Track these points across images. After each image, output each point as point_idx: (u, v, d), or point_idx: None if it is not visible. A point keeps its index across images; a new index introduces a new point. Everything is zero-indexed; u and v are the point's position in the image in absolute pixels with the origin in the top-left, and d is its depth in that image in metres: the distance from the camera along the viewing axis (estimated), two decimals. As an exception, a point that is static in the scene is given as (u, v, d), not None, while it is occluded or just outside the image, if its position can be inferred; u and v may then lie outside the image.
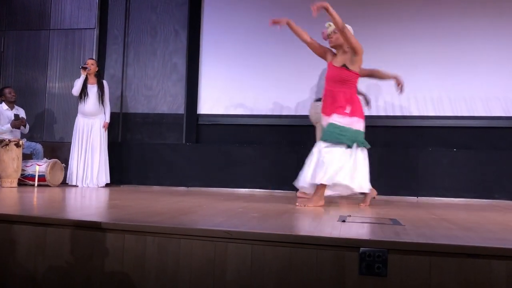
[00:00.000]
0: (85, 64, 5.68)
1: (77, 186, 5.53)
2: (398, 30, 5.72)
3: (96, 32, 6.33)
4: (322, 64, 5.88)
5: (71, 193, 4.55)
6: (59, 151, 6.08)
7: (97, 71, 5.73)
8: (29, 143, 5.72)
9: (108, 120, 5.73)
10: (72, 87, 5.75)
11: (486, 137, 5.46)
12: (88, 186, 5.52)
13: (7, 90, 5.75)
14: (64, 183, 5.59)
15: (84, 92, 5.60)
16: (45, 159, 5.54)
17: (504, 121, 5.43)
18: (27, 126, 5.80)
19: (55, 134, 6.30)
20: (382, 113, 5.67)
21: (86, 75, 5.64)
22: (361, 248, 1.88)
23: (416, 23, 5.69)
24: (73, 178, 5.57)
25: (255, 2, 6.14)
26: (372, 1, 5.80)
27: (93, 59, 5.89)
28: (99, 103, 5.65)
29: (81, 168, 5.57)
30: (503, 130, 5.45)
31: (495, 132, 5.45)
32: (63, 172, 5.60)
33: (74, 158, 5.59)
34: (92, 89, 5.63)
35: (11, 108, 5.75)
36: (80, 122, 5.64)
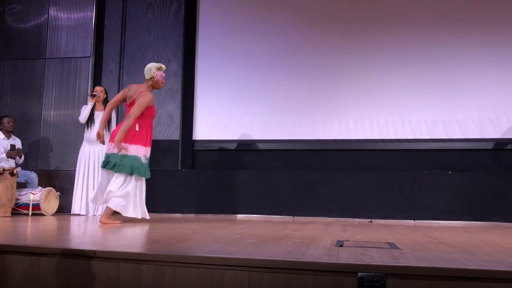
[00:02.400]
0: (93, 92, 5.66)
1: (81, 214, 5.42)
2: (392, 56, 5.80)
3: (91, 60, 6.38)
4: (317, 88, 5.96)
5: (66, 222, 4.50)
6: (54, 179, 6.04)
7: (105, 98, 5.70)
8: (23, 171, 5.68)
9: None
10: (68, 115, 5.74)
11: (481, 159, 5.49)
12: (94, 214, 5.42)
13: (6, 120, 5.74)
14: (62, 212, 5.53)
15: (91, 119, 5.54)
16: (39, 187, 5.50)
17: (498, 143, 5.47)
18: (23, 156, 5.77)
19: (50, 162, 6.27)
20: (377, 137, 5.70)
21: (94, 103, 5.62)
22: (359, 273, 1.86)
23: (410, 48, 5.78)
24: (76, 207, 5.47)
25: (250, 28, 6.24)
26: (365, 26, 5.90)
27: (102, 86, 5.87)
28: (107, 130, 5.61)
29: (84, 197, 5.46)
30: (497, 152, 5.48)
31: (490, 154, 5.49)
32: (58, 200, 5.55)
33: (78, 186, 5.51)
34: (100, 116, 5.60)
35: (8, 137, 5.73)
36: (86, 149, 5.55)
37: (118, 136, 4.18)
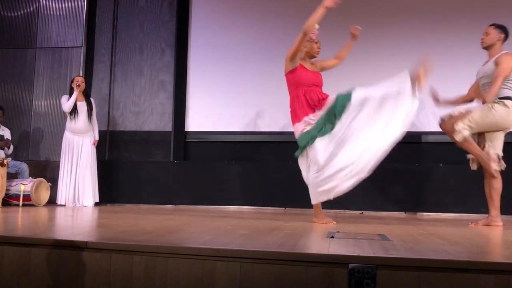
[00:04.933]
0: (74, 81, 5.62)
1: (65, 205, 5.44)
2: (384, 49, 5.80)
3: (83, 50, 6.32)
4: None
5: (57, 213, 4.48)
6: (44, 170, 6.00)
7: (84, 89, 5.72)
8: (14, 162, 5.64)
9: (97, 137, 5.70)
10: (59, 105, 5.71)
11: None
12: (77, 205, 5.44)
13: None
14: (50, 203, 5.51)
15: (74, 109, 5.56)
16: (30, 178, 5.47)
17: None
18: (11, 147, 5.73)
19: (41, 153, 6.23)
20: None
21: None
22: (350, 265, 1.87)
23: (403, 42, 5.78)
24: (62, 197, 5.48)
25: (243, 19, 6.21)
26: (357, 20, 5.88)
27: (81, 76, 5.87)
28: (89, 120, 5.62)
29: (71, 187, 5.49)
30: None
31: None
32: (49, 191, 5.52)
33: (63, 176, 5.51)
34: (82, 107, 5.60)
35: (-3, 128, 5.69)
36: (70, 140, 5.57)
37: None
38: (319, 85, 3.81)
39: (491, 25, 3.94)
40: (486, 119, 3.75)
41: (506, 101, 3.73)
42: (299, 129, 3.65)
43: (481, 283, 1.80)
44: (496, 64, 3.77)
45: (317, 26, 3.66)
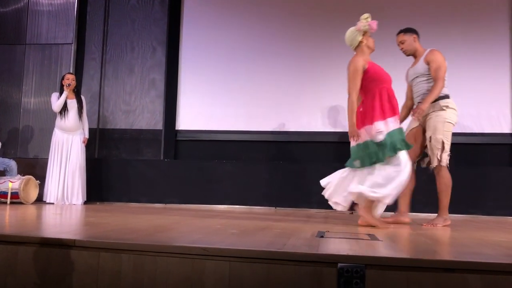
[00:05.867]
0: (65, 79, 5.58)
1: (54, 203, 5.39)
2: (378, 49, 5.81)
3: (73, 47, 6.28)
4: (301, 80, 5.96)
5: (45, 211, 4.44)
6: (33, 167, 5.95)
7: (75, 86, 5.68)
8: (2, 159, 5.58)
9: (87, 135, 5.66)
10: (48, 102, 5.66)
11: (461, 154, 5.56)
12: (65, 204, 5.40)
13: None
14: (39, 201, 5.46)
15: (64, 107, 5.52)
16: (18, 175, 5.41)
17: (478, 138, 5.55)
18: (-1, 144, 5.68)
19: (30, 150, 6.17)
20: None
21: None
22: (339, 264, 1.87)
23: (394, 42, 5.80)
24: (50, 195, 5.43)
25: (235, 18, 6.20)
26: (350, 20, 5.90)
27: (72, 73, 5.83)
28: (79, 118, 5.59)
29: (60, 185, 5.44)
30: (477, 146, 5.57)
31: (469, 148, 5.56)
32: (38, 189, 5.48)
33: (52, 174, 5.47)
34: (72, 104, 5.56)
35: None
36: (59, 137, 5.53)
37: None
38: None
39: (399, 33, 3.94)
40: (450, 130, 3.77)
41: (450, 104, 3.73)
42: (380, 128, 3.29)
43: (469, 283, 1.81)
44: (427, 62, 3.77)
45: (366, 16, 3.44)
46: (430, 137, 3.77)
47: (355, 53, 3.53)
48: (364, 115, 3.38)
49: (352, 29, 3.49)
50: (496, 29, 5.69)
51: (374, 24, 3.44)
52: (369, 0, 5.87)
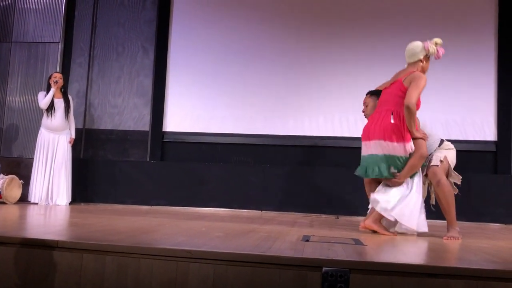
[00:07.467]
0: (52, 78, 5.52)
1: (38, 204, 5.31)
2: (365, 55, 5.86)
3: (60, 46, 6.21)
4: (290, 84, 5.98)
5: (28, 211, 4.38)
6: (17, 167, 5.86)
7: (62, 85, 5.62)
8: (-15, 158, 5.50)
9: (74, 135, 5.60)
10: (34, 101, 5.59)
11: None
12: (49, 204, 5.32)
13: None
14: (22, 201, 5.38)
15: (51, 106, 5.46)
16: (1, 175, 5.33)
17: (463, 145, 5.60)
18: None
19: (14, 149, 6.08)
20: (347, 134, 5.71)
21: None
22: (324, 268, 1.88)
23: (384, 48, 5.85)
24: (34, 196, 5.35)
25: (224, 21, 6.20)
26: (340, 24, 5.94)
27: (59, 72, 5.77)
28: (66, 118, 5.53)
29: (44, 185, 5.37)
30: (461, 153, 5.62)
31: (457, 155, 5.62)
32: (21, 189, 5.40)
33: (37, 174, 5.39)
34: (59, 104, 5.50)
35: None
36: (45, 137, 5.46)
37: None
38: None
39: (367, 94, 3.87)
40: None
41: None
42: (413, 148, 3.31)
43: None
44: None
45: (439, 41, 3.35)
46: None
47: (407, 65, 3.46)
48: (399, 130, 3.30)
49: (419, 44, 3.38)
50: (481, 37, 5.76)
51: (441, 52, 3.35)
52: (358, 6, 5.92)
